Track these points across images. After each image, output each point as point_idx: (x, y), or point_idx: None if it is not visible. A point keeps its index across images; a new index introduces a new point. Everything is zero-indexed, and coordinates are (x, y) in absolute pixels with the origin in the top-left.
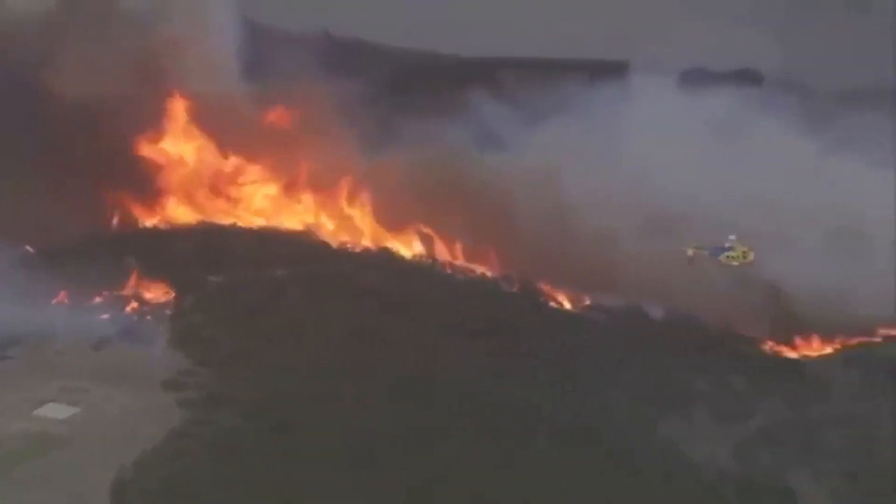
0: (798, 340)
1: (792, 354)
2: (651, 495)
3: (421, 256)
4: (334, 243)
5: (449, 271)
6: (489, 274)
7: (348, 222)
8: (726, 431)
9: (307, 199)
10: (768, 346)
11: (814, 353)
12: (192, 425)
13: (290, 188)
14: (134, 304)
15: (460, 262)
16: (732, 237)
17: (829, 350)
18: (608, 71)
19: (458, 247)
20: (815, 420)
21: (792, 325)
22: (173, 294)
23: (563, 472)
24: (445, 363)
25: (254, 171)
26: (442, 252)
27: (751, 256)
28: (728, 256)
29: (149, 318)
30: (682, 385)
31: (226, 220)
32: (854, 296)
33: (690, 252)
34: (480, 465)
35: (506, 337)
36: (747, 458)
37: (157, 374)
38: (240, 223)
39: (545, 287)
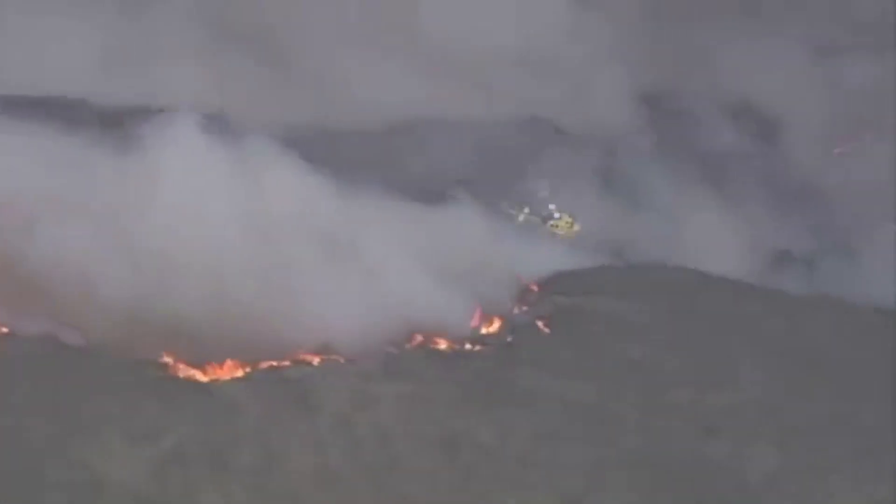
0: (210, 364)
1: (202, 378)
2: None
3: None
4: None
5: None
6: None
7: None
8: (139, 453)
9: None
10: (180, 369)
11: (225, 376)
12: None
13: None
14: None
15: None
16: (552, 206)
17: (239, 373)
18: None
19: None
20: (223, 440)
21: (196, 347)
22: None
23: None
24: None
25: None
26: None
27: (576, 227)
28: (553, 225)
29: None
30: (95, 408)
31: None
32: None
33: (521, 217)
34: None
35: None
36: (159, 478)
37: None
38: None
39: None
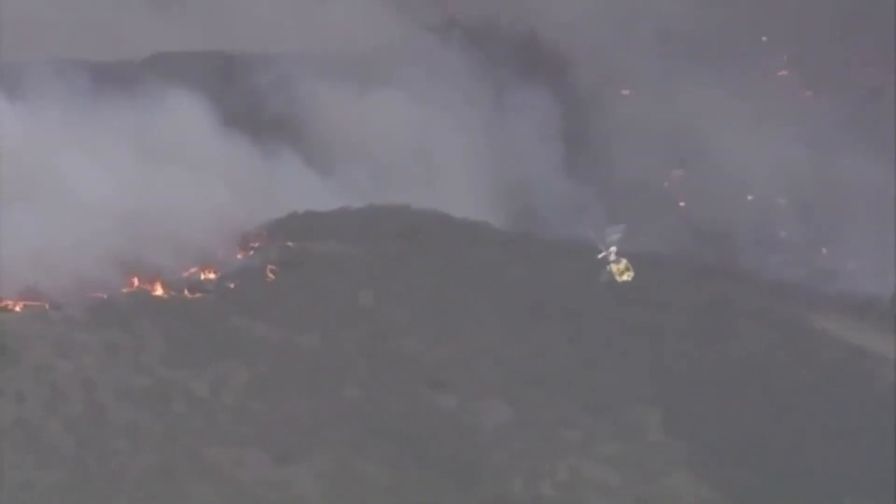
0: None
1: None
2: None
3: None
4: None
5: None
6: None
7: None
8: None
9: None
10: None
11: None
12: None
13: None
14: None
15: None
16: (613, 249)
17: None
18: None
19: None
20: None
21: None
22: None
23: None
24: None
25: None
26: None
27: (625, 276)
28: (610, 270)
29: None
30: None
31: None
32: None
33: (603, 254)
34: None
35: None
36: None
37: None
38: None
39: None
